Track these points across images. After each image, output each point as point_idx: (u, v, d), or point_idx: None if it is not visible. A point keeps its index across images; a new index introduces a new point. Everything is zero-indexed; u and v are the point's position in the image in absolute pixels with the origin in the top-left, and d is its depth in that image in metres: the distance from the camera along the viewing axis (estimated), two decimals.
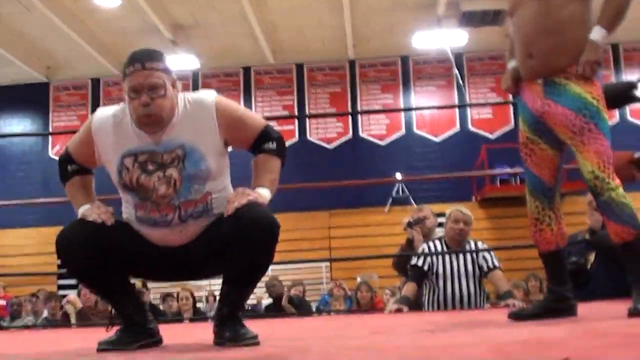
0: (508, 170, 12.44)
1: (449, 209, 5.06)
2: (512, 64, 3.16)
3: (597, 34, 2.84)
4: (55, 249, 2.35)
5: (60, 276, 12.57)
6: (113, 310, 2.54)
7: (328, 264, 12.55)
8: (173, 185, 2.38)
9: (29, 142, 14.01)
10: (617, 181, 2.81)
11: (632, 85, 3.22)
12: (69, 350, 2.56)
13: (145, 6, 11.00)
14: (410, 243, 5.41)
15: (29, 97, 13.87)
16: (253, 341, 2.34)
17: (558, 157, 3.02)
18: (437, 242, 4.93)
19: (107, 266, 2.39)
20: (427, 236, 5.36)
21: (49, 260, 12.85)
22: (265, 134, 2.51)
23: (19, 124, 14.12)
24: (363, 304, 6.93)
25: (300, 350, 2.20)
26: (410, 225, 5.43)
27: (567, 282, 3.04)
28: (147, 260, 2.47)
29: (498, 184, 12.91)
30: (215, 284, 12.34)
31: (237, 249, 2.28)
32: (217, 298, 2.53)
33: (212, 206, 2.43)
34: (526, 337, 2.26)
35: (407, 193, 12.92)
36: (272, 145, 2.50)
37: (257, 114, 2.67)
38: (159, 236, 2.44)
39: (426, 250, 4.89)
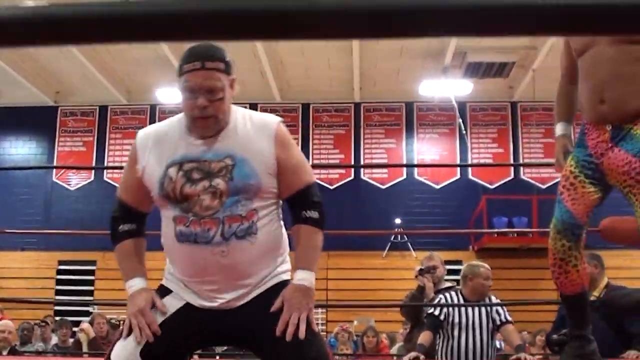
0: (505, 228, 12.75)
1: (476, 262, 5.16)
2: (560, 130, 3.05)
3: None
4: None
5: (58, 302, 12.51)
6: None
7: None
8: (219, 196, 2.17)
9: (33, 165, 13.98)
10: None
11: None
12: None
13: None
14: (421, 290, 5.48)
15: (36, 120, 13.85)
16: None
17: (598, 201, 2.83)
18: (454, 294, 5.02)
19: None
20: (436, 285, 5.45)
21: (46, 285, 12.84)
22: (310, 194, 2.31)
23: (24, 146, 14.11)
24: (369, 348, 6.97)
25: None
26: (422, 272, 5.51)
27: (589, 323, 2.92)
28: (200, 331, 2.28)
29: (495, 235, 13.03)
30: None
31: None
32: None
33: (257, 228, 2.20)
34: None
35: (406, 239, 13.00)
36: (314, 214, 2.29)
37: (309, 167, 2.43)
38: (198, 262, 2.21)
39: (443, 301, 4.97)
